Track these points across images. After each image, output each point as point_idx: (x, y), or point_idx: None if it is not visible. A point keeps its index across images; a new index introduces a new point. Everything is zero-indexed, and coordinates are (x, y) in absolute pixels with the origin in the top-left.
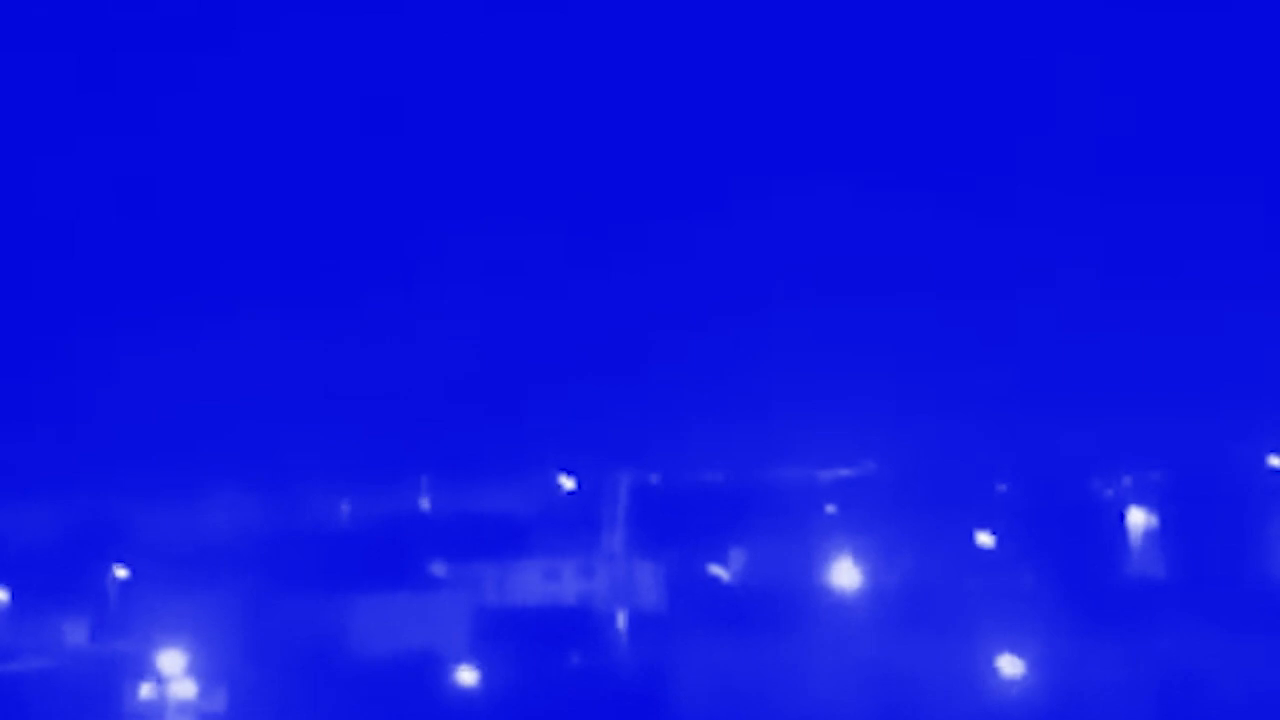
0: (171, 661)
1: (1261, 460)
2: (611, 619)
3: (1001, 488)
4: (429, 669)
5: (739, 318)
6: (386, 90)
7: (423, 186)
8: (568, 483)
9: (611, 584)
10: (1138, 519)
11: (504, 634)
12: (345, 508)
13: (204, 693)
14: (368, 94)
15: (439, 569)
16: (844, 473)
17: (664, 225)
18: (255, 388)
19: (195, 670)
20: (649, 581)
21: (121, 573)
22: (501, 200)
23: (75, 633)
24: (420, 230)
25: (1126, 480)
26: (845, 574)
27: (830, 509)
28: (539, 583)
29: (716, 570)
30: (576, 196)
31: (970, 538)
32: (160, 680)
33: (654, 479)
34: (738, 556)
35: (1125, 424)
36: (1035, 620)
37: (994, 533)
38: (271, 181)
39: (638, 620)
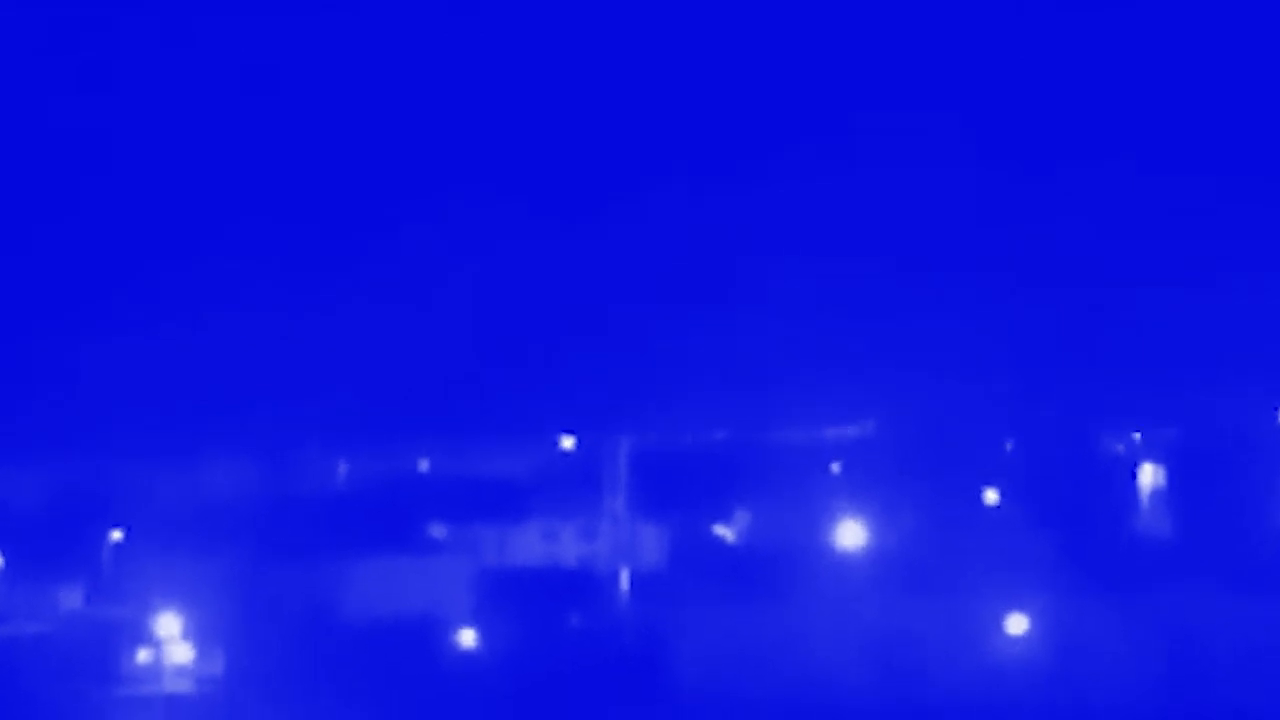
0: (168, 625)
1: (1274, 416)
2: (613, 581)
3: (1008, 445)
4: (428, 632)
5: (740, 276)
6: (371, 61)
7: (416, 148)
8: (568, 444)
9: (613, 546)
10: (1148, 476)
11: (504, 597)
12: (343, 470)
13: (201, 657)
14: (350, 67)
15: (438, 531)
16: (848, 431)
17: (664, 184)
18: (251, 349)
19: (191, 634)
20: (650, 543)
21: (117, 536)
22: (497, 159)
23: (70, 597)
24: (416, 191)
25: (1136, 437)
26: (849, 534)
27: (834, 468)
28: (539, 545)
29: (719, 531)
30: (576, 156)
31: (977, 496)
32: (156, 644)
33: (654, 439)
34: (740, 517)
35: (1135, 380)
36: (1043, 579)
37: (1001, 491)
38: (264, 149)
39: (639, 582)
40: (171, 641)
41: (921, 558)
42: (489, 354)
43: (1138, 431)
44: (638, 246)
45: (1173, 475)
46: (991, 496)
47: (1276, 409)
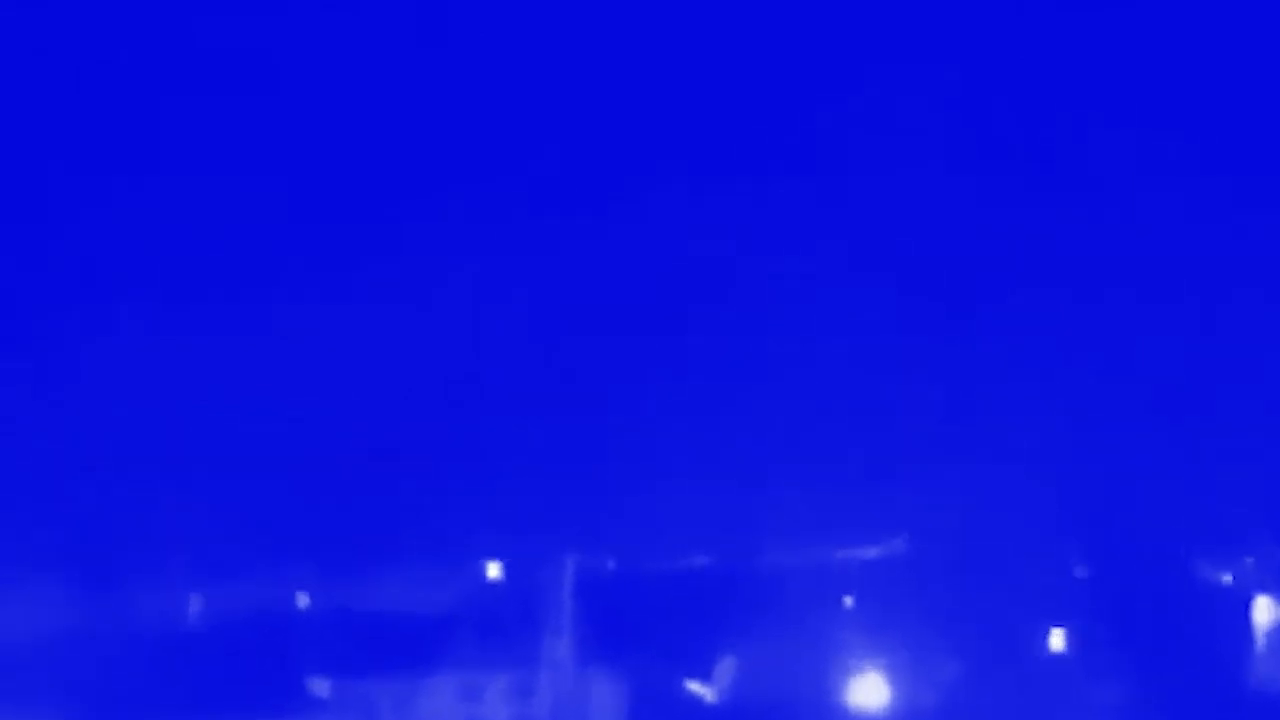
0: None
1: None
2: None
3: (1080, 572)
4: None
5: (724, 344)
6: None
7: (313, 209)
8: (494, 571)
9: (554, 705)
10: (1264, 613)
11: None
12: (195, 604)
13: None
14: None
15: (321, 686)
16: (867, 553)
17: (630, 218)
18: (74, 443)
19: None
20: (605, 702)
21: None
22: (408, 204)
23: None
24: (297, 246)
25: (1248, 562)
26: (870, 690)
27: (849, 602)
28: (457, 705)
29: (697, 688)
30: (520, 189)
31: (1040, 639)
32: None
33: (611, 564)
34: (724, 667)
35: (1245, 488)
36: None
37: (1071, 632)
38: (101, 221)
39: None
40: None
41: None
42: (389, 450)
43: (1250, 555)
44: (585, 304)
45: None
46: (1058, 640)
47: None
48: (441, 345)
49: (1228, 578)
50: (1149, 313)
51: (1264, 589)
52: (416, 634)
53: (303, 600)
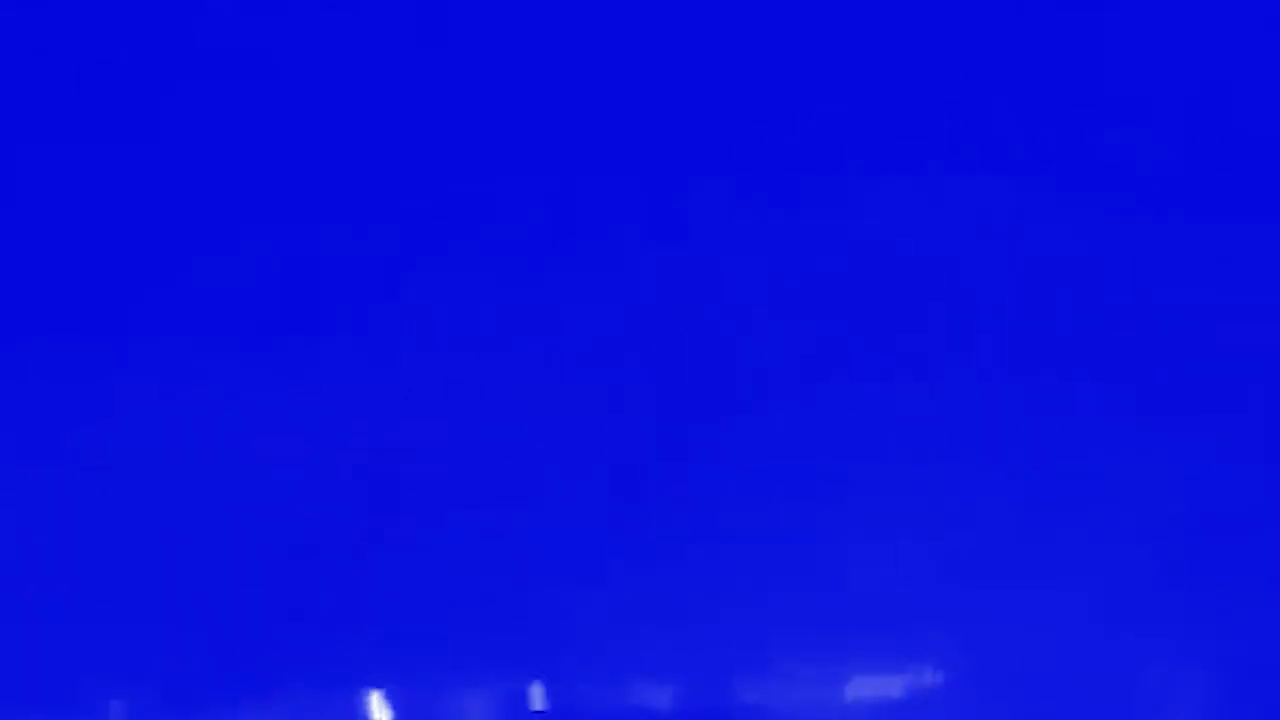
0: None
1: None
2: None
3: (1177, 717)
4: None
5: (709, 419)
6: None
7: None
8: (384, 704)
9: None
10: None
11: None
12: None
13: None
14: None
15: None
16: (889, 688)
17: (610, 261)
18: None
19: None
20: None
21: None
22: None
23: None
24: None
25: None
26: None
27: None
28: None
29: None
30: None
31: None
32: None
33: (540, 696)
34: None
35: None
36: None
37: None
38: None
39: None
40: None
41: None
42: (253, 548)
43: None
44: (535, 372)
45: None
46: None
47: None
48: (339, 420)
49: None
50: (1241, 392)
51: None
52: None
53: None
